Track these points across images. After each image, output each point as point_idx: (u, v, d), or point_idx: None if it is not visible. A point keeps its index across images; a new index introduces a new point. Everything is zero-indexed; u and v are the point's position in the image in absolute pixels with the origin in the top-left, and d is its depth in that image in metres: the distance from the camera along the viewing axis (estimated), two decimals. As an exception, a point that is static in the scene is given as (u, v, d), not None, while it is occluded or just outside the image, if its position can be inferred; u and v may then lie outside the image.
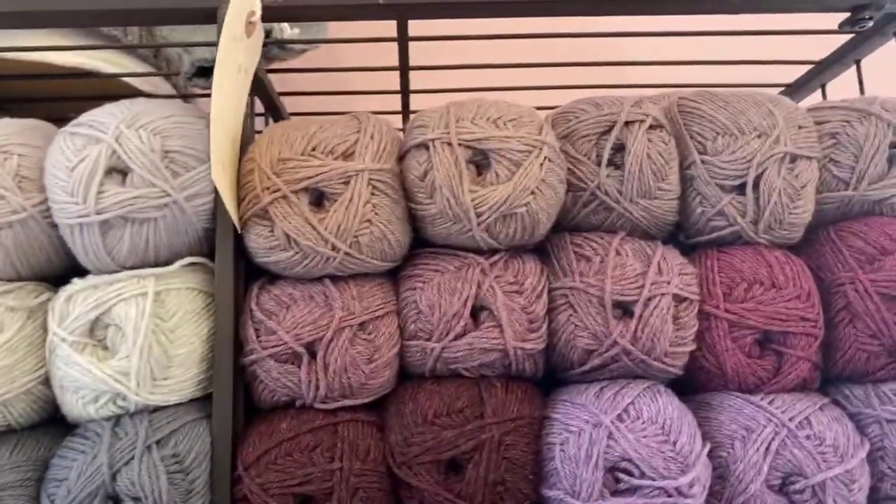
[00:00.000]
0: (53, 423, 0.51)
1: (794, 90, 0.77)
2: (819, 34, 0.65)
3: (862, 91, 0.69)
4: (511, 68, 0.72)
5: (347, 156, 0.50)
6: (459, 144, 0.50)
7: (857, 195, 0.56)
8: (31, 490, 0.47)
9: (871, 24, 0.60)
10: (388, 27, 0.61)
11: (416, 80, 0.72)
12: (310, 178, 0.48)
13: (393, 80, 0.70)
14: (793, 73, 0.76)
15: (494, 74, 0.72)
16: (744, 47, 0.75)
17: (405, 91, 0.72)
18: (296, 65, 0.69)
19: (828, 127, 0.57)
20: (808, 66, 0.73)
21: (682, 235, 0.58)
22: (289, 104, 0.75)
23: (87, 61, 0.65)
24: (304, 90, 0.74)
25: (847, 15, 0.61)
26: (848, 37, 0.66)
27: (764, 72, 0.76)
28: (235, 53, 0.50)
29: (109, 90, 0.69)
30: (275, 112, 0.70)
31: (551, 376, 0.56)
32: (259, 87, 0.65)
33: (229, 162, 0.49)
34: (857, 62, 0.69)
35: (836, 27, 0.63)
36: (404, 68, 0.67)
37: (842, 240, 0.55)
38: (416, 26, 0.61)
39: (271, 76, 0.70)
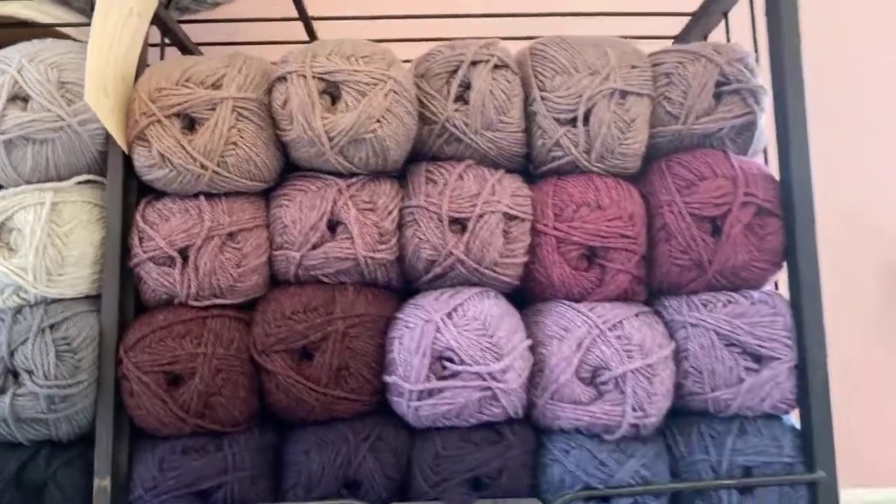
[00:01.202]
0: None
1: (681, 41, 0.83)
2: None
3: (728, 41, 0.75)
4: (418, 19, 0.79)
5: (216, 87, 0.57)
6: (313, 77, 0.57)
7: (685, 129, 0.62)
8: (-55, 366, 0.56)
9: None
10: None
11: (332, 31, 0.79)
12: (180, 104, 0.56)
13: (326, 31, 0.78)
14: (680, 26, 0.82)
15: (402, 25, 0.79)
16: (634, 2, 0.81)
17: (313, 41, 0.80)
18: (210, 17, 0.76)
19: (663, 68, 0.63)
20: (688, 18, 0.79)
21: (531, 166, 0.65)
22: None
23: (22, 11, 0.73)
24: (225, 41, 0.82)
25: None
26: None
27: (659, 25, 0.82)
28: (123, -2, 0.57)
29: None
30: (193, 59, 0.78)
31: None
32: (171, 36, 0.73)
33: (113, 91, 0.57)
34: (725, 14, 0.75)
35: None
36: (304, 19, 0.74)
37: (669, 168, 0.62)
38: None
39: (194, 27, 0.78)
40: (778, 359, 0.57)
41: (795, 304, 0.59)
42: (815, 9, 0.74)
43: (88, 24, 0.79)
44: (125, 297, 0.59)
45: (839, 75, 1.11)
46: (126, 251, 0.59)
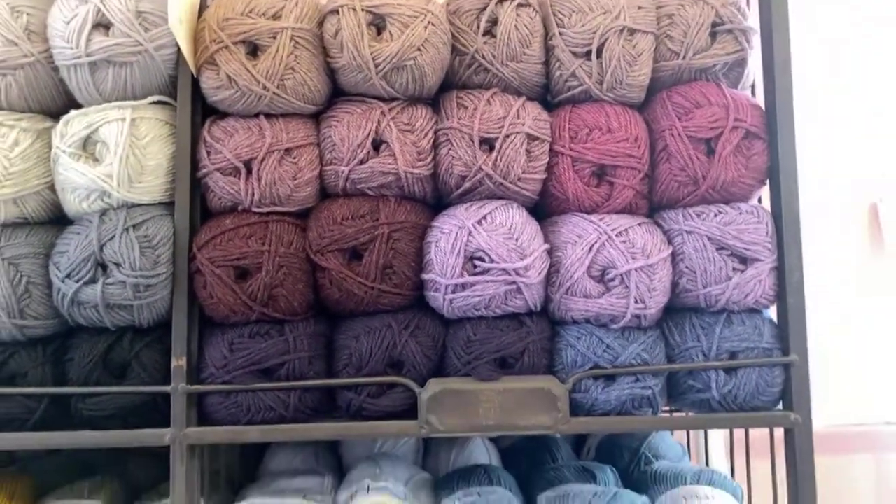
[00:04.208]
0: (60, 221, 0.68)
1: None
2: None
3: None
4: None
5: (276, 17, 0.65)
6: (362, 10, 0.65)
7: (684, 64, 0.71)
8: (41, 260, 0.65)
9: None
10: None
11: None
12: (246, 32, 0.64)
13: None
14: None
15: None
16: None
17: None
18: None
19: (666, 9, 0.71)
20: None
21: (549, 96, 0.74)
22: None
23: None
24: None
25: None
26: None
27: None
28: (191, -62, 0.65)
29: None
30: None
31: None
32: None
33: (187, 20, 0.64)
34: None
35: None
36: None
37: (669, 98, 0.71)
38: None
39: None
40: (761, 260, 0.67)
41: (777, 214, 0.68)
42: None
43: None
44: (194, 203, 0.67)
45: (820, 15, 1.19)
46: (194, 165, 0.67)
